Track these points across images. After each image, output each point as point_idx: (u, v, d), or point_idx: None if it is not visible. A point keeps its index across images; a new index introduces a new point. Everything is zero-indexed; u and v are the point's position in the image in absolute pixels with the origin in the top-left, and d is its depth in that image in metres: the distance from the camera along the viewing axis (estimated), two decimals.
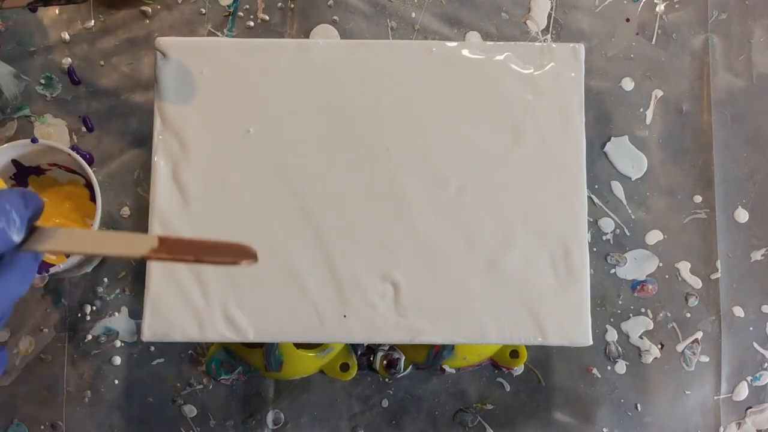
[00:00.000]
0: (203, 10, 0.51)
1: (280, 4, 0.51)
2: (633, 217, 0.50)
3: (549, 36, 0.52)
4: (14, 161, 0.44)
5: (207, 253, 0.27)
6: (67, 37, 0.50)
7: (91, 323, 0.48)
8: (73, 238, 0.28)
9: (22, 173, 0.45)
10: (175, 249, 0.27)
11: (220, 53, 0.43)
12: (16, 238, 0.28)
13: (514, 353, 0.48)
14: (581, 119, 0.42)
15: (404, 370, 0.48)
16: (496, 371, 0.49)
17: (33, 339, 0.48)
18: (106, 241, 0.28)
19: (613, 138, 0.51)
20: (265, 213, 0.41)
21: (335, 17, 0.51)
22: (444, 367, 0.48)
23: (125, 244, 0.28)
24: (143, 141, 0.50)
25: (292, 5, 0.52)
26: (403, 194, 0.41)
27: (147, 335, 0.40)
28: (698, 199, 0.51)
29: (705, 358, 0.49)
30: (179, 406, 0.48)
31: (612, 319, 0.49)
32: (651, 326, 0.49)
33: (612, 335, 0.49)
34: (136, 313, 0.48)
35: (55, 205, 0.45)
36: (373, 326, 0.40)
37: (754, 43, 0.52)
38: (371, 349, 0.48)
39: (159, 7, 0.51)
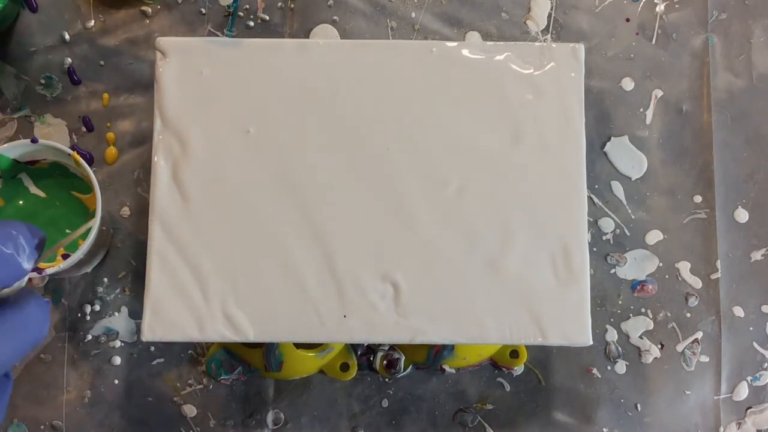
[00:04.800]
0: (203, 10, 0.51)
1: (280, 4, 0.51)
2: (633, 217, 0.50)
3: (549, 36, 0.52)
4: (14, 161, 0.44)
5: None
6: (67, 37, 0.50)
7: (91, 323, 0.48)
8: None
9: (16, 170, 0.45)
10: None
11: (220, 53, 0.43)
12: (27, 265, 0.27)
13: (514, 353, 0.48)
14: (581, 119, 0.42)
15: (404, 370, 0.48)
16: (496, 371, 0.49)
17: None
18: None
19: (613, 138, 0.51)
20: (265, 213, 0.41)
21: (335, 17, 0.51)
22: (444, 367, 0.48)
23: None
24: (143, 141, 0.50)
25: (292, 5, 0.52)
26: (403, 194, 0.41)
27: (147, 335, 0.40)
28: (698, 199, 0.51)
29: (705, 358, 0.49)
30: (179, 406, 0.48)
31: (612, 319, 0.49)
32: (651, 326, 0.49)
33: (612, 335, 0.49)
34: (136, 313, 0.48)
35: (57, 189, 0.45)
36: (373, 326, 0.40)
37: (754, 43, 0.52)
38: (371, 349, 0.48)
39: (159, 7, 0.51)
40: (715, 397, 0.49)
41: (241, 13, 0.51)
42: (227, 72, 0.42)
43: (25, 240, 0.27)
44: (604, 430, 0.49)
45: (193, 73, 0.42)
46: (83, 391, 0.48)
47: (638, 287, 0.50)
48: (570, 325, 0.41)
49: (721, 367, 0.49)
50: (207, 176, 0.41)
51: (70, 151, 0.42)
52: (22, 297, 0.27)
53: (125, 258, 0.49)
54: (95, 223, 0.41)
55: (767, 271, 0.50)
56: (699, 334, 0.49)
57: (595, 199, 0.50)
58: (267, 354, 0.46)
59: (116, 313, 0.48)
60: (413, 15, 0.52)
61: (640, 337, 0.49)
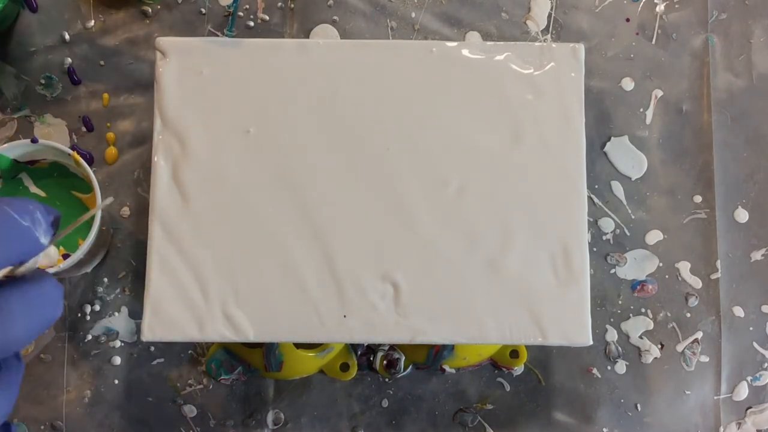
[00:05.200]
0: (203, 10, 0.51)
1: (280, 4, 0.51)
2: (633, 217, 0.50)
3: (549, 36, 0.52)
4: (14, 161, 0.44)
5: None
6: (67, 37, 0.50)
7: (91, 323, 0.48)
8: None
9: (16, 170, 0.45)
10: None
11: (220, 53, 0.43)
12: (44, 240, 0.26)
13: (514, 353, 0.48)
14: (581, 119, 0.42)
15: (404, 370, 0.48)
16: (496, 371, 0.49)
17: None
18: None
19: (613, 138, 0.51)
20: (265, 213, 0.41)
21: (335, 17, 0.51)
22: (444, 367, 0.48)
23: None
24: (143, 141, 0.50)
25: (292, 5, 0.52)
26: (403, 194, 0.41)
27: (147, 335, 0.40)
28: (698, 199, 0.51)
29: (705, 358, 0.49)
30: (179, 406, 0.48)
31: (612, 319, 0.49)
32: (651, 326, 0.49)
33: (612, 335, 0.49)
34: (136, 313, 0.48)
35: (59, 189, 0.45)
36: (373, 326, 0.40)
37: (754, 43, 0.52)
38: (371, 349, 0.48)
39: (159, 7, 0.51)
40: (715, 397, 0.49)
41: (241, 13, 0.51)
42: (227, 72, 0.42)
43: (42, 215, 0.26)
44: (604, 430, 0.49)
45: (193, 73, 0.42)
46: (83, 391, 0.48)
47: (638, 287, 0.50)
48: (570, 325, 0.41)
49: (721, 367, 0.49)
50: (207, 176, 0.41)
51: (70, 151, 0.42)
52: (37, 276, 0.27)
53: (125, 258, 0.49)
54: (95, 223, 0.41)
55: (767, 271, 0.50)
56: (699, 334, 0.49)
57: (595, 199, 0.50)
58: (267, 354, 0.47)
59: (116, 313, 0.48)
60: (413, 15, 0.52)
61: (640, 337, 0.49)
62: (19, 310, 0.25)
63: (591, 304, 0.41)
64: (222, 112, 0.42)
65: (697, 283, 0.50)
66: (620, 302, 0.50)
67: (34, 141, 0.42)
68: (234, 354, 0.48)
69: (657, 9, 0.52)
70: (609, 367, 0.49)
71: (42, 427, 0.47)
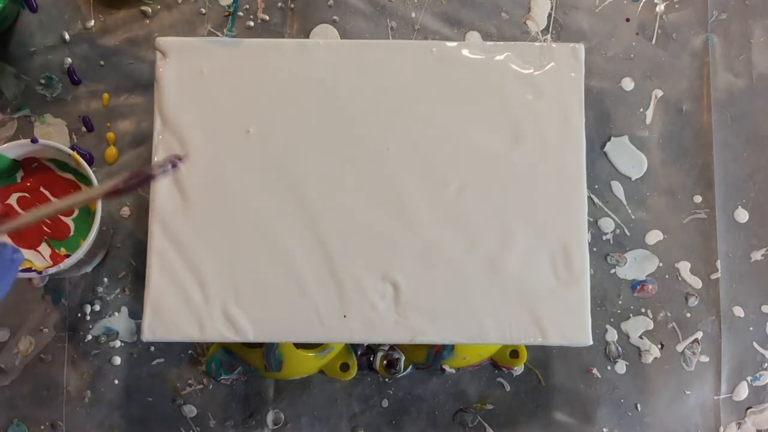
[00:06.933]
0: (203, 10, 0.51)
1: (280, 4, 0.51)
2: (633, 217, 0.50)
3: (549, 36, 0.52)
4: (14, 161, 0.44)
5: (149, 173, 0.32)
6: (67, 37, 0.50)
7: (91, 323, 0.48)
8: (33, 212, 0.32)
9: (15, 169, 0.45)
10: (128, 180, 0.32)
11: (220, 53, 0.43)
12: None
13: (514, 353, 0.48)
14: (581, 119, 0.42)
15: (404, 370, 0.48)
16: (496, 371, 0.49)
17: (33, 339, 0.48)
18: (62, 201, 0.32)
19: (613, 138, 0.51)
20: (265, 213, 0.41)
21: (335, 17, 0.51)
22: (444, 367, 0.48)
23: (83, 196, 0.33)
24: (143, 141, 0.50)
25: (292, 5, 0.52)
26: (403, 194, 0.41)
27: (147, 335, 0.40)
28: (698, 199, 0.51)
29: (705, 358, 0.49)
30: (179, 406, 0.48)
31: (612, 319, 0.49)
32: (651, 326, 0.49)
33: (612, 335, 0.49)
34: (136, 313, 0.48)
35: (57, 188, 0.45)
36: (373, 326, 0.40)
37: (754, 43, 0.52)
38: (371, 349, 0.48)
39: (159, 7, 0.51)
40: (715, 397, 0.49)
41: (241, 13, 0.51)
42: (227, 72, 0.42)
43: None
44: (604, 430, 0.49)
45: (193, 73, 0.42)
46: (83, 391, 0.48)
47: (638, 287, 0.50)
48: (570, 325, 0.41)
49: (721, 367, 0.49)
50: (207, 176, 0.41)
51: (71, 152, 0.42)
52: None
53: (125, 258, 0.49)
54: (95, 223, 0.41)
55: (767, 271, 0.50)
56: (699, 334, 0.49)
57: (595, 199, 0.50)
58: (267, 354, 0.47)
59: (116, 313, 0.48)
60: (413, 15, 0.52)
61: (640, 337, 0.49)
62: None
63: (591, 304, 0.41)
64: (222, 112, 0.42)
65: (697, 283, 0.50)
66: (620, 302, 0.50)
67: (34, 141, 0.42)
68: (234, 354, 0.48)
69: (657, 9, 0.52)
70: (609, 367, 0.49)
71: (42, 427, 0.47)
